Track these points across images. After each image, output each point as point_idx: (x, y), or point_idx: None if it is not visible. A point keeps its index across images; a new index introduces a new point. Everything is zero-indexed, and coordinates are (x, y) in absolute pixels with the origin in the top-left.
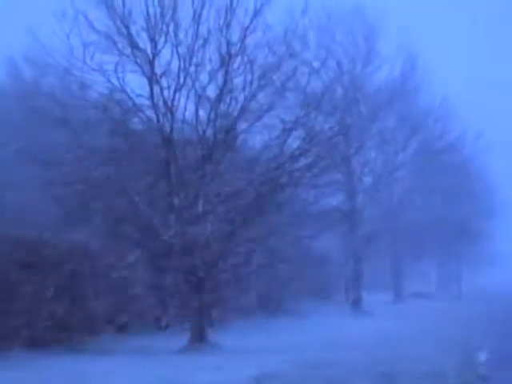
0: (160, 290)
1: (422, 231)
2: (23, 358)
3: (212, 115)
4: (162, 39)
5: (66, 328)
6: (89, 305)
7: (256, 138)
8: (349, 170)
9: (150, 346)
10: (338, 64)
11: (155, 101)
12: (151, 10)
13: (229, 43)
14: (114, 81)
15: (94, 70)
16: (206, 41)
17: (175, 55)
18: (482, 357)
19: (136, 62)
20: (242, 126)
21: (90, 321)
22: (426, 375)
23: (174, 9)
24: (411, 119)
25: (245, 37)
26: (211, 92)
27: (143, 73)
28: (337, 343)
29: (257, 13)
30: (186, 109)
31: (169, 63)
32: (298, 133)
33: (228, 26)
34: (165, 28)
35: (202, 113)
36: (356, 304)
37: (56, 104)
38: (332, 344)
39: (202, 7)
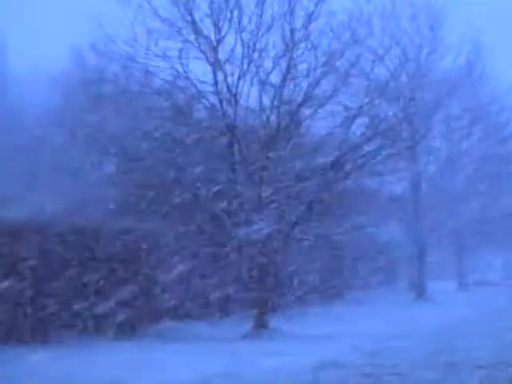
0: (223, 277)
1: (486, 219)
2: (92, 344)
3: (275, 102)
4: (226, 25)
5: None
6: (154, 292)
7: (319, 125)
8: (413, 157)
9: (213, 333)
10: (403, 51)
11: (219, 87)
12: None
13: (292, 29)
14: (178, 67)
15: (157, 56)
16: (269, 27)
17: (239, 41)
18: None
19: (200, 49)
20: (306, 112)
21: (154, 308)
22: (490, 365)
23: None
24: (475, 107)
25: (309, 23)
26: (275, 78)
27: (207, 59)
28: (400, 331)
29: None
30: (249, 95)
31: (232, 50)
32: (362, 120)
33: (292, 12)
34: (229, 14)
35: (265, 99)
36: (420, 292)
37: (120, 91)
38: (395, 332)
39: None
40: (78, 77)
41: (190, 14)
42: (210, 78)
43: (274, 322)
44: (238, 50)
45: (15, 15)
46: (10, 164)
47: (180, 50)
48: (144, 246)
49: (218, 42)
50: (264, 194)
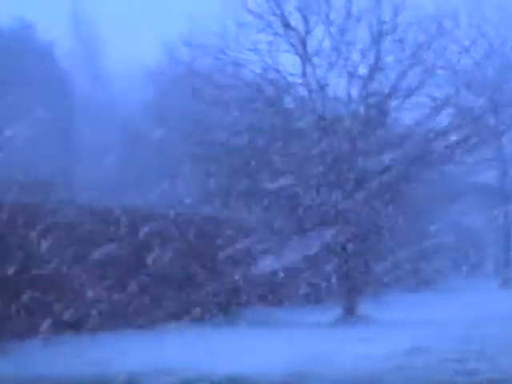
0: (314, 265)
1: None
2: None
3: (363, 93)
4: (314, 19)
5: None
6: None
7: (406, 116)
8: (499, 147)
9: (303, 320)
10: (489, 42)
11: (307, 79)
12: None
13: (380, 22)
14: (268, 60)
15: (248, 49)
16: (357, 20)
17: (327, 34)
18: None
19: (289, 42)
20: (393, 103)
21: (247, 294)
22: None
23: None
24: None
25: (396, 15)
26: (362, 70)
27: (296, 52)
28: (486, 319)
29: None
30: (337, 87)
31: (321, 42)
32: (448, 111)
33: (379, 4)
34: (317, 8)
35: (353, 91)
36: (506, 281)
37: (211, 84)
38: (481, 319)
39: None
40: (171, 70)
41: (280, 7)
42: (298, 70)
43: (364, 308)
44: (327, 42)
45: (113, 13)
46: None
47: (270, 43)
48: (230, 231)
49: (307, 34)
50: (352, 183)
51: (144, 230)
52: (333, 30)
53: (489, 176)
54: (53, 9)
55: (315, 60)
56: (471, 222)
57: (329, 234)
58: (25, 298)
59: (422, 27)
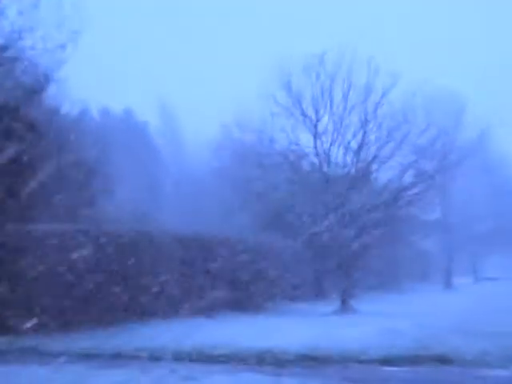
0: (319, 272)
1: (491, 234)
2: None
3: (354, 160)
4: (322, 110)
5: (250, 295)
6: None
7: (383, 175)
8: (444, 196)
9: (312, 310)
10: (438, 128)
11: (317, 150)
12: (315, 92)
13: (365, 113)
14: (291, 137)
15: (278, 130)
16: (350, 111)
17: (331, 121)
18: None
19: (305, 125)
20: (374, 167)
21: (269, 291)
22: (497, 334)
23: (330, 91)
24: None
25: (376, 109)
26: (354, 145)
27: (310, 132)
28: (436, 311)
29: (384, 93)
30: (337, 155)
31: (326, 126)
32: (411, 172)
33: (365, 102)
34: (324, 103)
35: (347, 158)
36: (448, 285)
37: (256, 153)
38: (432, 311)
39: (348, 90)
40: (227, 144)
41: (299, 102)
42: (311, 144)
43: (352, 304)
44: (330, 126)
45: (189, 99)
46: (190, 203)
47: (293, 126)
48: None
49: (317, 121)
50: (347, 220)
51: (216, 249)
52: (335, 117)
53: (437, 214)
54: (146, 98)
55: (323, 138)
56: (426, 245)
57: (330, 254)
58: (143, 298)
59: (393, 117)
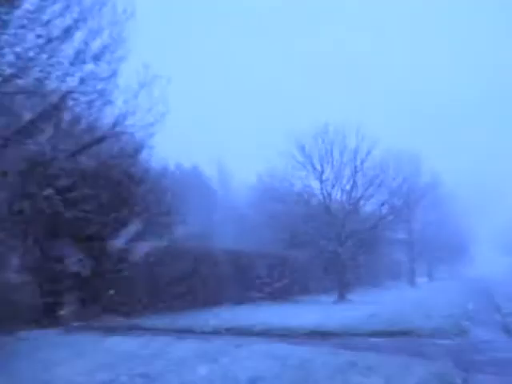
0: (323, 274)
1: (440, 249)
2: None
3: (347, 198)
4: (326, 165)
5: (284, 292)
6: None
7: (367, 208)
8: (409, 223)
9: (319, 300)
10: (404, 176)
11: (322, 191)
12: (321, 152)
13: (355, 166)
14: (305, 182)
15: (297, 178)
16: (345, 165)
17: (332, 172)
18: (470, 307)
19: (314, 175)
20: (361, 203)
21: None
22: (445, 316)
23: (331, 152)
24: (429, 205)
25: (362, 164)
26: (347, 188)
27: (317, 179)
28: (405, 300)
29: (368, 153)
30: (336, 195)
31: (328, 175)
32: (386, 206)
33: (355, 159)
34: (327, 160)
35: (343, 197)
36: (412, 283)
37: (280, 193)
38: (401, 300)
39: (344, 151)
40: (260, 191)
41: (310, 159)
42: (318, 187)
43: (347, 295)
44: (331, 175)
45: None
46: (236, 228)
47: (306, 175)
48: (290, 261)
49: (322, 172)
50: (343, 239)
51: (253, 259)
52: (334, 170)
53: (404, 235)
54: (206, 153)
55: (326, 183)
56: (397, 256)
57: (331, 262)
58: (206, 292)
59: (373, 169)
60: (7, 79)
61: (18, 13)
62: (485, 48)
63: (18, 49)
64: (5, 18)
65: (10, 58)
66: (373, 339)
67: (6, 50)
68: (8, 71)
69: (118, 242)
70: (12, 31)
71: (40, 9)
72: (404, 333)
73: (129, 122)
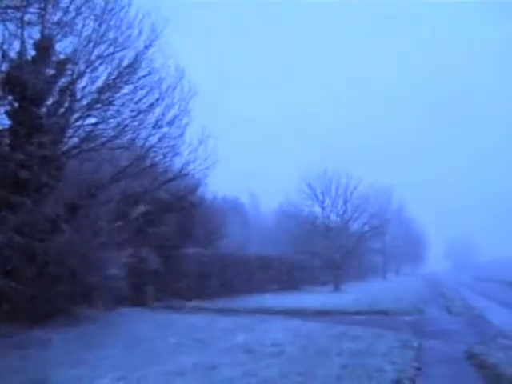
0: (324, 272)
1: (404, 254)
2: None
3: (340, 219)
4: (326, 196)
5: (295, 284)
6: (306, 276)
7: (354, 226)
8: (383, 237)
9: (320, 290)
10: (380, 204)
11: (324, 215)
12: (322, 188)
13: (346, 197)
14: (311, 209)
15: (306, 205)
16: (339, 197)
17: (330, 201)
18: (424, 294)
19: (318, 203)
20: (350, 223)
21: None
22: (407, 300)
23: (330, 188)
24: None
25: (351, 196)
26: (340, 212)
27: (320, 207)
28: (380, 290)
29: (355, 188)
30: (332, 217)
31: (327, 204)
32: (367, 225)
33: (345, 192)
34: (327, 193)
35: (338, 219)
36: (384, 277)
37: (295, 215)
38: (376, 290)
39: (337, 188)
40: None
41: (315, 193)
42: (320, 212)
43: (341, 286)
44: (329, 204)
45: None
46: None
47: (312, 204)
48: (300, 264)
49: (323, 202)
50: (337, 247)
51: (272, 261)
52: (331, 200)
53: (379, 245)
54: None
55: (326, 209)
56: (374, 259)
57: (329, 264)
58: (240, 283)
59: (359, 199)
60: (110, 139)
61: (118, 95)
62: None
63: (118, 119)
64: (110, 99)
65: (113, 125)
66: (357, 317)
67: (111, 120)
68: (111, 134)
69: (182, 249)
70: (115, 107)
71: (133, 92)
72: (379, 312)
73: (191, 167)
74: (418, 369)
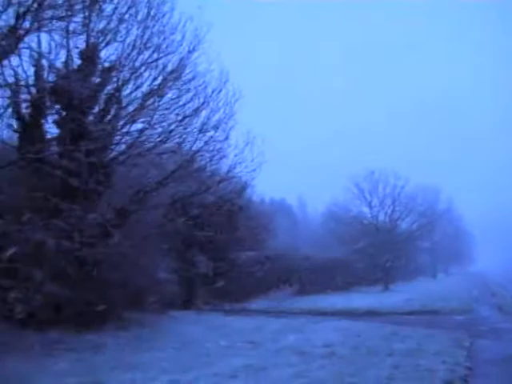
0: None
1: (452, 252)
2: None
3: (388, 219)
4: (374, 196)
5: (344, 285)
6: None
7: (403, 225)
8: (431, 235)
9: (369, 291)
10: (428, 202)
11: (372, 214)
12: (370, 188)
13: (394, 197)
14: (359, 208)
15: (353, 205)
16: (387, 197)
17: (378, 201)
18: (475, 293)
19: (365, 203)
20: (398, 222)
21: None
22: (458, 299)
23: (377, 188)
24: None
25: (399, 195)
26: (389, 211)
27: (367, 206)
28: (430, 290)
29: (402, 187)
30: (381, 217)
31: (375, 204)
32: (415, 224)
33: (393, 192)
34: (374, 193)
35: (386, 218)
36: (434, 277)
37: (342, 216)
38: (428, 290)
39: (385, 187)
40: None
41: (363, 193)
42: (368, 211)
43: (390, 286)
44: (377, 203)
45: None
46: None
47: (359, 203)
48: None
49: (371, 201)
50: (385, 247)
51: (324, 263)
52: (379, 200)
53: (428, 244)
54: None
55: (374, 209)
56: (423, 258)
57: (378, 263)
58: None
59: (407, 198)
60: (157, 145)
61: (163, 100)
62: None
63: (164, 124)
64: (155, 104)
65: (159, 130)
66: (408, 317)
67: (157, 125)
68: (157, 139)
69: (231, 252)
70: (160, 112)
71: (178, 97)
72: (430, 312)
73: (237, 169)
74: (470, 368)
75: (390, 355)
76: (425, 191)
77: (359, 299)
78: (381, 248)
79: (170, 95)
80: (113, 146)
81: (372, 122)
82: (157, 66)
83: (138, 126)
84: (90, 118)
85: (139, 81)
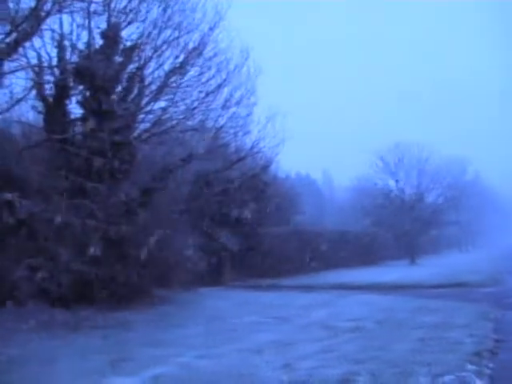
0: (399, 246)
1: (479, 225)
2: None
3: (414, 192)
4: (399, 169)
5: (371, 258)
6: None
7: (429, 198)
8: (458, 208)
9: (396, 264)
10: (454, 176)
11: (397, 188)
12: (395, 161)
13: (419, 170)
14: (385, 182)
15: (379, 179)
16: (412, 169)
17: (403, 174)
18: (501, 266)
19: (391, 177)
20: (424, 195)
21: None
22: (485, 272)
23: (403, 162)
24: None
25: (424, 167)
26: (414, 183)
27: (393, 179)
28: (457, 263)
29: (426, 160)
30: (407, 190)
31: (401, 176)
32: (442, 197)
33: (419, 164)
34: (400, 167)
35: (412, 191)
36: (463, 250)
37: (369, 190)
38: (455, 263)
39: (410, 161)
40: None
41: (389, 167)
42: (394, 185)
43: (417, 261)
44: (403, 176)
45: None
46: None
47: (386, 177)
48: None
49: (397, 174)
50: (413, 219)
51: (351, 237)
52: (405, 173)
53: (454, 217)
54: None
55: (400, 182)
56: (450, 231)
57: (405, 236)
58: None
59: (433, 170)
60: (180, 122)
61: (186, 78)
62: None
63: (187, 101)
64: (177, 82)
65: (182, 107)
66: (435, 290)
67: (180, 102)
68: (181, 116)
69: (257, 227)
70: (183, 90)
71: (200, 74)
72: (458, 285)
73: (261, 145)
74: (498, 341)
75: (418, 329)
76: (451, 163)
77: (386, 273)
78: (407, 221)
79: (192, 73)
80: (136, 125)
81: (396, 96)
82: (178, 44)
83: (161, 104)
84: (114, 97)
85: (161, 59)
